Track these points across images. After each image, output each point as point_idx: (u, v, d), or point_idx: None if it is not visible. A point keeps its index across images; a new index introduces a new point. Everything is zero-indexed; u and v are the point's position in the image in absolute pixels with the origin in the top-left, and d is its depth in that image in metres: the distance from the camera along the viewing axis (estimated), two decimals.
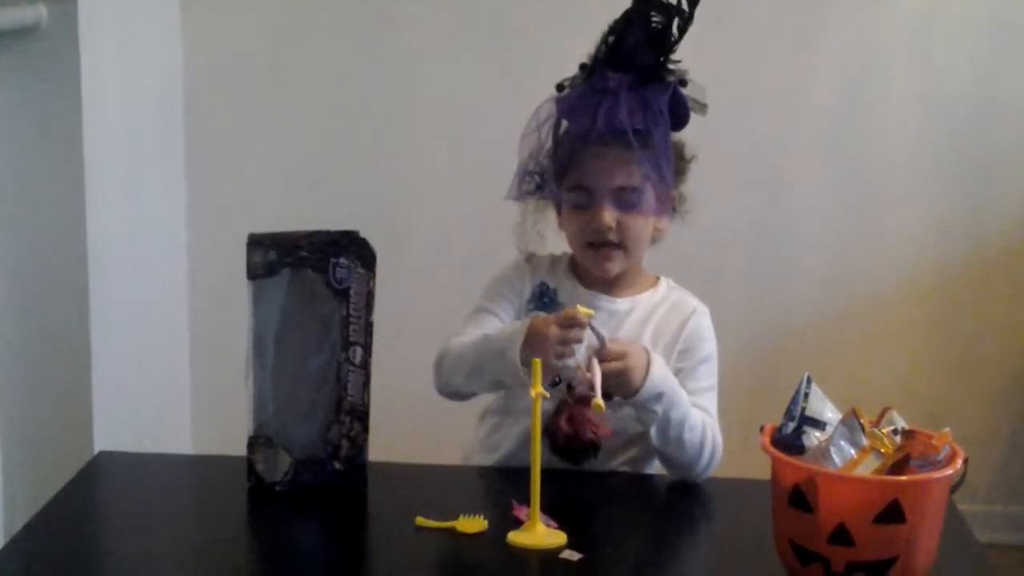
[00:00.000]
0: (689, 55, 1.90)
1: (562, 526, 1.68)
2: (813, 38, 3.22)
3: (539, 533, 1.66)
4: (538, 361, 1.66)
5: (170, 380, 3.26)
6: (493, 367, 1.89)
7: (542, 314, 1.93)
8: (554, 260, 2.07)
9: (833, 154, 3.28)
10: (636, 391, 1.84)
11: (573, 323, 1.80)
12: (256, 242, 1.79)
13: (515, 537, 1.66)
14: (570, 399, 1.86)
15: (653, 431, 1.89)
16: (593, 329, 1.81)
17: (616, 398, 1.86)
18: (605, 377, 1.79)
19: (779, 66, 3.22)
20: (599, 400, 1.74)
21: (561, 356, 1.82)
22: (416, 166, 3.27)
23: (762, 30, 3.18)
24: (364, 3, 3.23)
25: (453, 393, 2.02)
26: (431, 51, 3.23)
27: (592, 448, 1.89)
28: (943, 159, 3.26)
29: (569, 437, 1.87)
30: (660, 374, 1.86)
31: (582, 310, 1.80)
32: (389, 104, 3.25)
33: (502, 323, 1.99)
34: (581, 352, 1.85)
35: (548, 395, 1.69)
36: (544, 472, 1.66)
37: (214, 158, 3.27)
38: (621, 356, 1.82)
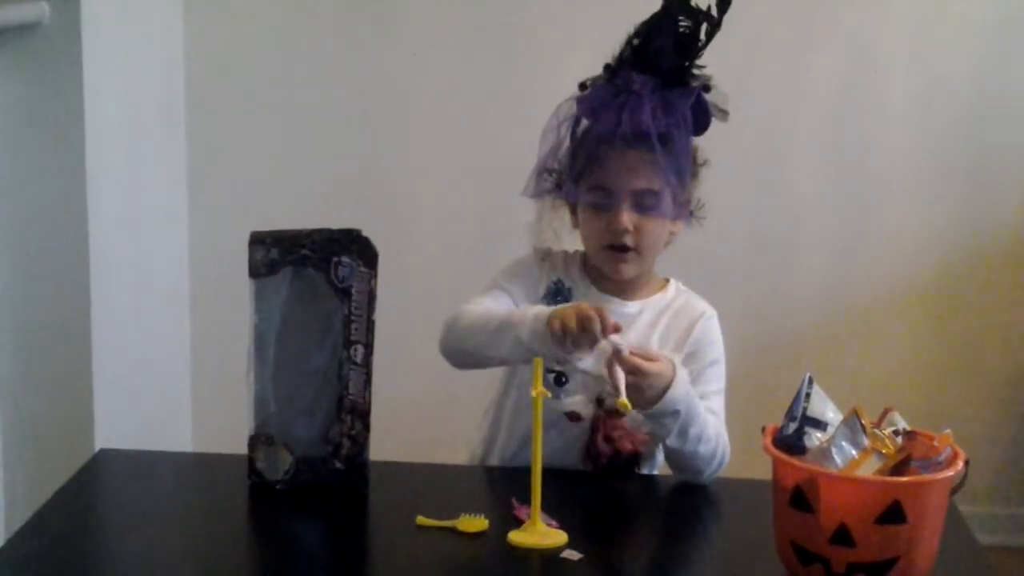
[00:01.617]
0: None
1: (563, 526, 1.68)
2: (813, 39, 3.22)
3: (540, 532, 1.66)
4: (539, 361, 1.66)
5: (171, 378, 3.26)
6: (520, 331, 1.84)
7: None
8: (567, 258, 2.06)
9: (833, 154, 3.28)
10: (651, 405, 1.83)
11: (589, 326, 1.78)
12: (258, 240, 1.80)
13: (515, 536, 1.66)
14: (602, 413, 1.89)
15: (669, 442, 1.88)
16: (614, 343, 1.80)
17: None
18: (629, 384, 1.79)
19: (779, 66, 3.22)
20: (623, 399, 1.74)
21: (571, 348, 1.81)
22: (418, 164, 3.27)
23: (762, 30, 3.18)
24: (366, 1, 3.23)
25: (461, 355, 1.97)
26: (432, 50, 3.23)
27: (633, 459, 1.93)
28: (943, 159, 3.26)
29: (610, 456, 1.91)
30: (682, 393, 1.84)
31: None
32: (390, 102, 3.25)
33: (515, 305, 1.96)
34: (588, 363, 1.87)
35: (549, 394, 1.69)
36: (546, 472, 1.66)
37: (216, 155, 3.27)
38: (635, 371, 1.79)
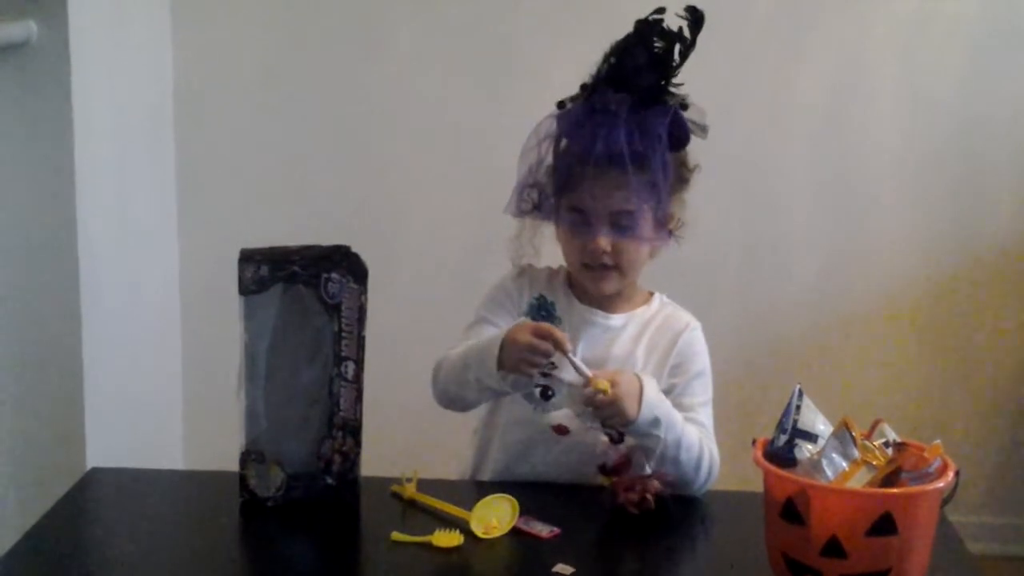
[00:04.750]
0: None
1: (557, 538, 1.70)
2: (801, 49, 3.22)
3: (484, 519, 1.72)
4: None
5: (162, 395, 3.25)
6: (477, 372, 1.89)
7: (529, 320, 1.94)
8: (551, 274, 2.07)
9: (822, 164, 3.28)
10: (633, 420, 1.83)
11: (547, 337, 1.82)
12: (248, 257, 1.79)
13: (477, 528, 1.71)
14: (608, 478, 1.91)
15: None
16: (576, 366, 1.83)
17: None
18: (599, 410, 1.82)
19: (767, 77, 3.23)
20: (603, 384, 1.78)
21: (529, 365, 1.84)
22: (407, 179, 3.27)
23: (750, 41, 3.19)
24: (353, 17, 3.23)
25: (450, 402, 2.01)
26: (421, 65, 3.23)
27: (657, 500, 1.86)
28: (932, 169, 3.27)
29: (637, 504, 1.84)
30: (654, 399, 1.85)
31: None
32: (380, 117, 3.25)
33: None
34: (569, 373, 1.88)
35: None
36: (538, 484, 1.75)
37: (205, 172, 3.27)
38: (592, 403, 1.81)
